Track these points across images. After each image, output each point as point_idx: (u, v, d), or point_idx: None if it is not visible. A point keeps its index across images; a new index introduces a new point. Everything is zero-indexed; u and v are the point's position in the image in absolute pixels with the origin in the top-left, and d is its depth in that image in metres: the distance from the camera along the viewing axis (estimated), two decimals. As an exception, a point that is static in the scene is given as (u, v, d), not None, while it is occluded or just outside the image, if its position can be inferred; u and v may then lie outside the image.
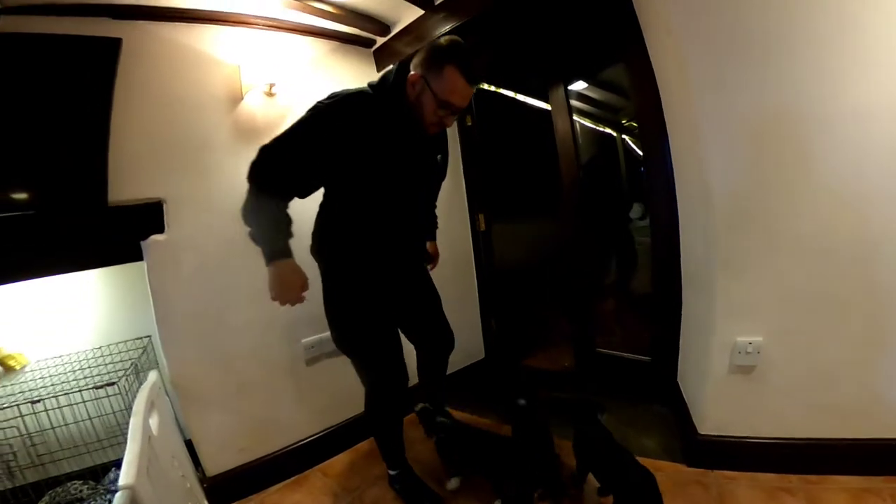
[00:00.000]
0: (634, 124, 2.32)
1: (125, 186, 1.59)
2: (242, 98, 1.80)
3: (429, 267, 1.83)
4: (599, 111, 3.03)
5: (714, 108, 1.41)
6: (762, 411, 1.53)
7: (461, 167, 2.62)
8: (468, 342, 2.71)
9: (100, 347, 1.86)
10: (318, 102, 1.30)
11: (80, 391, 1.54)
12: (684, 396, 1.82)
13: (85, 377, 1.72)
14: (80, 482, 1.76)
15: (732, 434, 1.57)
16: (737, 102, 1.38)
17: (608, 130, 3.12)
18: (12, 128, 1.46)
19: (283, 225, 1.29)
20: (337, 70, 2.11)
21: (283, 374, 1.96)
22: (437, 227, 1.87)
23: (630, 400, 2.10)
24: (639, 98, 2.00)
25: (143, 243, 1.63)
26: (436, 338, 1.77)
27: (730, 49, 1.36)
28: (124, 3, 1.68)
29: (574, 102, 2.38)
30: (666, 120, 1.82)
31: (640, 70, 1.89)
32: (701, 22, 1.38)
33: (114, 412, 1.63)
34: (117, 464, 1.59)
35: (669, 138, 1.83)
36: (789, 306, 1.45)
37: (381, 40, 2.17)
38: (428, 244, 1.82)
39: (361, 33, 2.12)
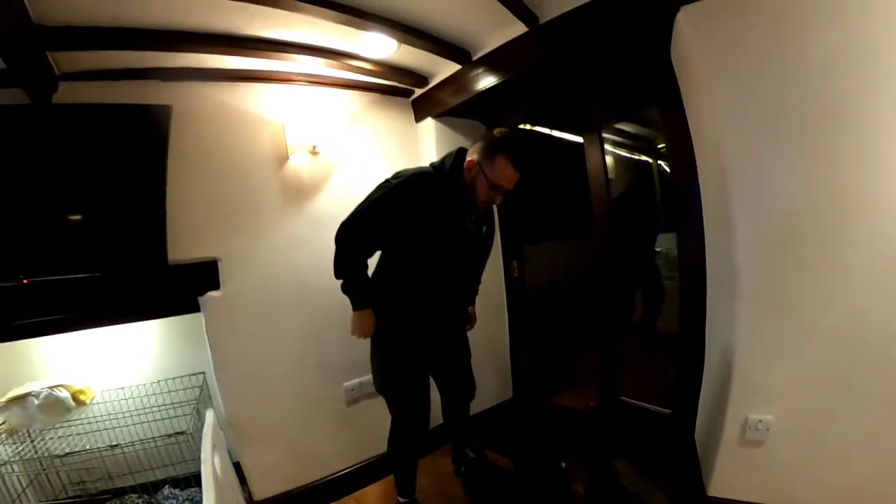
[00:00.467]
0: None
1: (184, 246, 1.73)
2: (288, 158, 1.90)
3: (466, 328, 1.99)
4: (633, 142, 3.03)
5: (745, 190, 1.46)
6: (772, 482, 1.62)
7: (496, 214, 2.66)
8: (497, 382, 2.81)
9: (157, 382, 2.05)
10: (387, 181, 1.58)
11: (153, 439, 1.73)
12: (699, 454, 1.93)
13: (148, 409, 1.93)
14: (136, 496, 1.98)
15: (740, 499, 1.67)
16: (770, 187, 1.42)
17: (643, 158, 3.12)
18: (76, 195, 1.60)
19: (365, 281, 1.64)
20: (377, 122, 2.19)
21: (325, 412, 2.14)
22: (477, 294, 2.02)
23: (648, 451, 2.19)
24: (672, 150, 2.03)
25: (199, 298, 1.78)
26: (461, 388, 1.98)
27: (766, 131, 1.40)
28: (171, 65, 1.77)
29: (607, 135, 2.41)
30: (699, 180, 1.85)
31: (675, 128, 1.91)
32: (739, 99, 1.43)
33: (178, 443, 1.83)
34: (170, 481, 1.87)
35: (702, 201, 1.86)
36: (806, 388, 1.51)
37: (419, 91, 2.22)
38: (469, 308, 2.00)
39: (400, 85, 2.18)
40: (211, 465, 1.45)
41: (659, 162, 3.06)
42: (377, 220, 1.55)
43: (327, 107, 2.04)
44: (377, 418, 2.04)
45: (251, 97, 1.88)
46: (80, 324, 1.69)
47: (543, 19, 1.87)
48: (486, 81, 2.00)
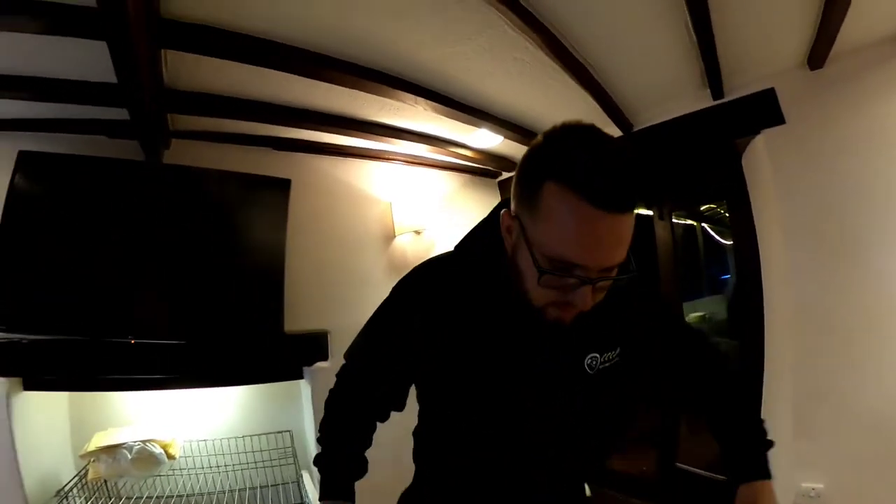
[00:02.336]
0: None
1: (296, 316, 1.80)
2: (395, 237, 2.01)
3: None
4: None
5: (802, 295, 1.73)
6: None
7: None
8: None
9: (241, 437, 2.08)
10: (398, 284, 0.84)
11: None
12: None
13: (238, 465, 1.98)
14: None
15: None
16: (826, 294, 1.68)
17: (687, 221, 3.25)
18: (200, 260, 1.67)
19: (349, 460, 0.86)
20: (467, 202, 2.34)
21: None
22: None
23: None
24: (736, 244, 2.25)
25: (306, 368, 1.85)
26: None
27: (816, 239, 1.69)
28: (284, 136, 1.88)
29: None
30: (763, 274, 2.00)
31: (741, 224, 2.10)
32: (797, 208, 1.74)
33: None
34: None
35: (763, 290, 2.01)
36: (852, 461, 1.68)
37: (506, 174, 2.38)
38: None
39: (491, 168, 2.33)
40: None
41: (703, 224, 3.24)
42: (376, 358, 0.84)
43: (429, 188, 2.17)
44: None
45: (360, 173, 2.00)
46: (194, 383, 1.74)
47: (637, 127, 2.09)
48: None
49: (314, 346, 1.83)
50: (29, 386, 1.68)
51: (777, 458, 1.83)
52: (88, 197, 1.65)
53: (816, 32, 1.48)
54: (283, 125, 1.80)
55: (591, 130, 0.61)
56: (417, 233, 2.07)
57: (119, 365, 1.62)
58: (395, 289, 0.83)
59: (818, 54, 1.61)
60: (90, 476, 1.81)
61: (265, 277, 1.74)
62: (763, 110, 1.80)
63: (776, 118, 1.78)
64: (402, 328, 0.80)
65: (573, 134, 0.61)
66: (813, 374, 1.70)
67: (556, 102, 1.83)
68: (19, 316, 1.63)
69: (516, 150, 2.19)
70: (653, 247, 2.53)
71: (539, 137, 0.63)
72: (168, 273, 1.68)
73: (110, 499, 1.83)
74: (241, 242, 1.74)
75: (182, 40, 1.31)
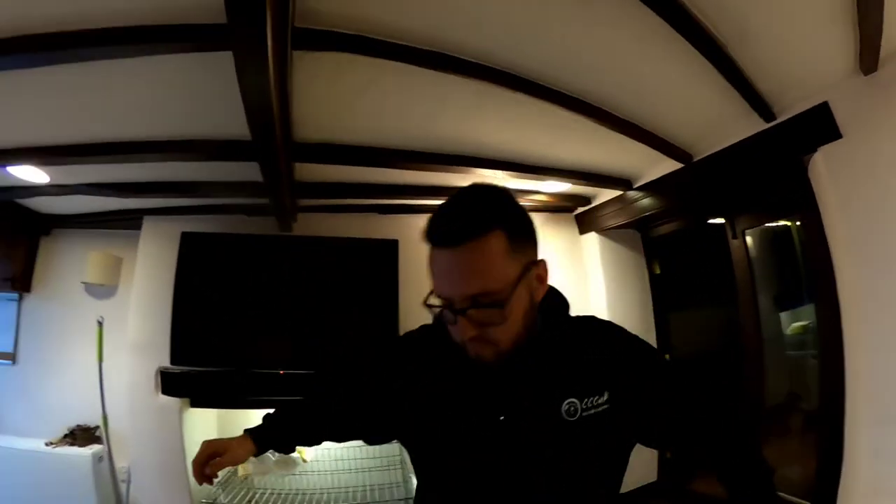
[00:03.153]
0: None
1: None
2: None
3: None
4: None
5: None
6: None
7: (652, 314, 2.86)
8: (641, 464, 2.91)
9: (359, 446, 2.48)
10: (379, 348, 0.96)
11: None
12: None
13: (355, 469, 2.39)
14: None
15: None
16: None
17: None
18: (329, 311, 2.14)
19: (288, 413, 0.95)
20: (548, 238, 2.63)
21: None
22: None
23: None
24: (810, 260, 2.22)
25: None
26: None
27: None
28: (388, 202, 2.36)
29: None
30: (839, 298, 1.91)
31: (814, 237, 2.05)
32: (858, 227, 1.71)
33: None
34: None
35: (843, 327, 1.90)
36: None
37: (581, 208, 2.68)
38: None
39: (566, 204, 2.64)
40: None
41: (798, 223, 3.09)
42: (343, 384, 0.94)
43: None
44: None
45: None
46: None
47: (697, 157, 2.27)
48: (645, 204, 2.39)
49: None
50: (194, 404, 2.35)
51: (854, 483, 1.77)
52: (237, 263, 2.26)
53: (858, 38, 1.39)
54: (385, 198, 2.29)
55: (462, 189, 0.75)
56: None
57: (269, 389, 2.12)
58: (376, 351, 0.92)
59: (867, 58, 1.50)
60: (240, 473, 2.35)
61: (383, 320, 2.18)
62: (817, 126, 1.78)
63: (832, 133, 1.75)
64: (376, 382, 0.87)
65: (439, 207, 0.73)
66: (890, 396, 1.63)
67: (613, 150, 2.08)
68: (190, 354, 2.24)
69: (585, 190, 2.49)
70: (729, 265, 2.60)
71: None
72: (305, 320, 2.20)
73: (255, 491, 2.34)
74: (361, 292, 2.21)
75: (309, 155, 1.81)
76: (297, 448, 1.00)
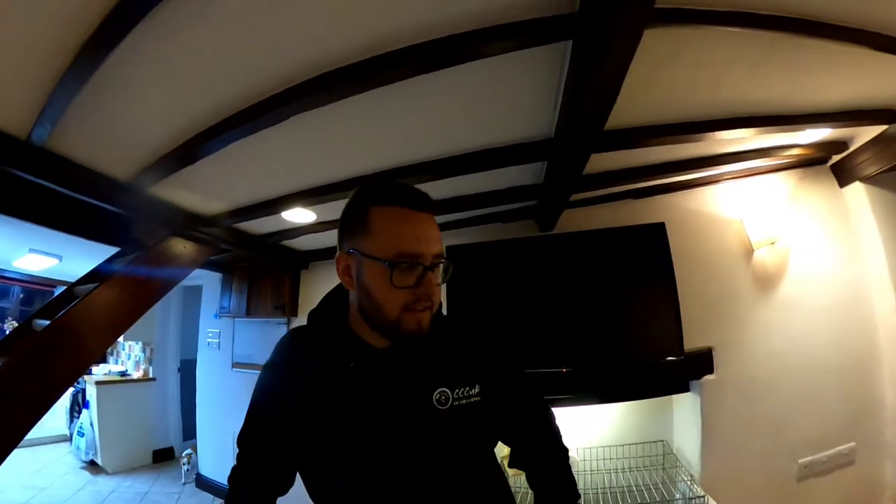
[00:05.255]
0: None
1: (686, 338, 2.07)
2: (753, 251, 2.18)
3: None
4: None
5: None
6: None
7: None
8: None
9: (620, 445, 2.43)
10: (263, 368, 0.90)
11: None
12: None
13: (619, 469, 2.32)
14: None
15: None
16: None
17: None
18: (609, 303, 2.07)
19: None
20: (803, 198, 2.32)
21: (776, 486, 2.22)
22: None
23: None
24: None
25: (693, 381, 2.10)
26: None
27: None
28: (637, 187, 2.22)
29: None
30: None
31: None
32: None
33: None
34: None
35: None
36: None
37: (836, 157, 2.33)
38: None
39: (817, 155, 2.30)
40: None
41: None
42: (262, 441, 0.86)
43: (770, 196, 2.28)
44: (824, 494, 2.14)
45: (707, 200, 2.26)
46: (603, 399, 2.15)
47: None
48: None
49: (703, 361, 2.08)
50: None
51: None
52: (504, 269, 2.25)
53: None
54: (644, 180, 2.16)
55: (378, 180, 0.87)
56: (772, 243, 2.19)
57: (555, 388, 2.12)
58: (260, 374, 0.87)
59: None
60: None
61: (663, 303, 2.04)
62: None
63: None
64: (273, 406, 0.83)
65: (373, 183, 0.82)
66: None
67: (875, 79, 1.72)
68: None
69: (839, 133, 2.15)
70: None
71: (350, 196, 0.82)
72: (582, 318, 2.12)
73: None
74: (635, 280, 2.10)
75: (602, 146, 1.68)
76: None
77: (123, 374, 4.57)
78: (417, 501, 0.77)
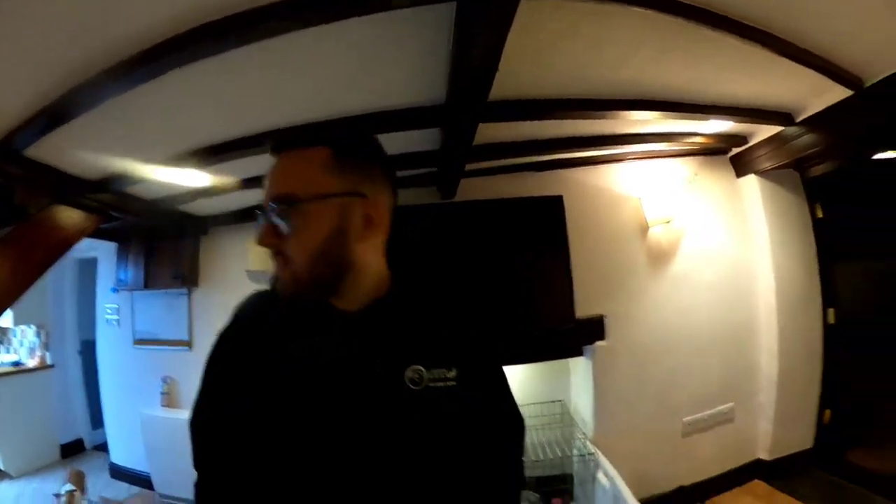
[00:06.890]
0: None
1: (578, 305, 2.20)
2: (649, 228, 2.34)
3: None
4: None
5: None
6: None
7: (816, 264, 2.62)
8: (795, 429, 2.68)
9: (522, 405, 2.53)
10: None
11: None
12: None
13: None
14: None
15: None
16: None
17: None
18: (509, 275, 2.16)
19: None
20: (706, 183, 2.51)
21: (662, 442, 2.45)
22: None
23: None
24: None
25: (586, 346, 2.24)
26: None
27: None
28: (546, 159, 2.31)
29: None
30: None
31: None
32: None
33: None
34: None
35: None
36: None
37: (736, 149, 2.53)
38: None
39: (719, 145, 2.50)
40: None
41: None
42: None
43: (669, 178, 2.43)
44: (706, 448, 2.40)
45: (608, 177, 2.39)
46: (514, 361, 2.24)
47: (869, 82, 2.05)
48: (806, 141, 2.23)
49: (595, 328, 2.23)
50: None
51: None
52: (403, 235, 2.28)
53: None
54: (547, 154, 2.22)
55: None
56: (668, 222, 2.36)
57: None
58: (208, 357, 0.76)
59: None
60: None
61: (556, 277, 2.16)
62: None
63: None
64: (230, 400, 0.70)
65: None
66: None
67: (777, 82, 1.89)
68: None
69: (741, 129, 2.35)
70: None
71: None
72: (484, 285, 2.13)
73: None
74: (530, 252, 2.19)
75: (494, 115, 1.71)
76: None
77: (17, 363, 4.09)
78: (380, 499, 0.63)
